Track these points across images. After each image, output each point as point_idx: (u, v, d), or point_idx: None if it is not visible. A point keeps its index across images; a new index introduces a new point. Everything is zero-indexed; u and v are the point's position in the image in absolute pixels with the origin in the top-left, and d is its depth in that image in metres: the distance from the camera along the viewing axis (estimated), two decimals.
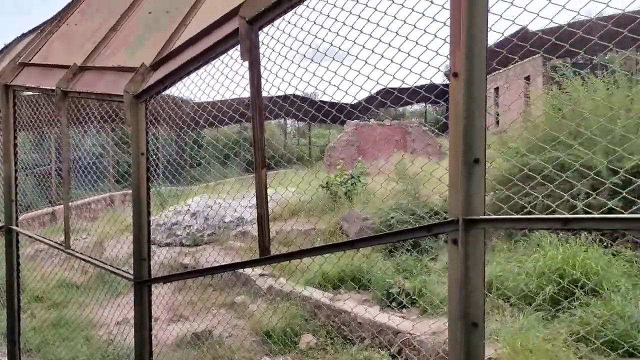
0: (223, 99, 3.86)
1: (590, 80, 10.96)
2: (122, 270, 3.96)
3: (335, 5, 2.83)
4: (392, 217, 10.05)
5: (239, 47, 2.71)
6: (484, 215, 1.91)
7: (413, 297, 7.54)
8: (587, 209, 7.92)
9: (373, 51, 2.73)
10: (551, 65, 21.07)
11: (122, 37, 3.99)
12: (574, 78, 11.44)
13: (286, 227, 10.59)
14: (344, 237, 10.96)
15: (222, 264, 3.36)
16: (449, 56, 2.03)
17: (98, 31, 4.23)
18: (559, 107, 10.46)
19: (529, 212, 7.95)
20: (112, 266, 4.20)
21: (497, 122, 27.26)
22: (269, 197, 2.73)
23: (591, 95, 9.77)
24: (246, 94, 3.02)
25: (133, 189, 3.48)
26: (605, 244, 7.30)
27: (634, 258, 7.78)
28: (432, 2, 2.26)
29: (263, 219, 2.67)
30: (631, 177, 8.05)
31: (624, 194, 3.81)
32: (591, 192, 7.88)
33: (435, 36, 2.28)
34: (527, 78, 23.31)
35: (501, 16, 1.97)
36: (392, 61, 2.72)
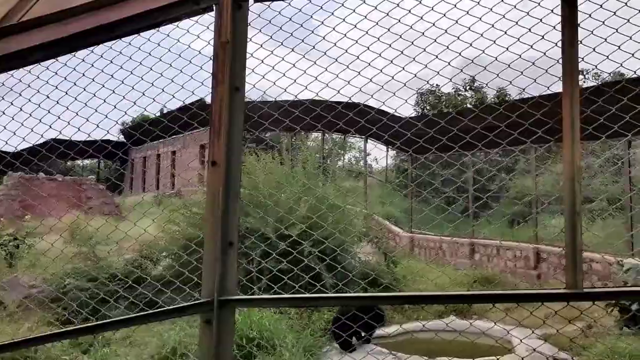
0: None
1: (262, 156, 12.44)
2: None
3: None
4: (68, 284, 9.12)
5: None
6: (237, 295, 2.06)
7: None
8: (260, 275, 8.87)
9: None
10: None
11: None
12: (249, 152, 12.75)
13: None
14: (1, 308, 9.35)
15: None
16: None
17: None
18: None
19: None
20: None
21: (173, 185, 27.91)
22: None
23: (263, 169, 11.06)
24: None
25: None
26: None
27: (295, 315, 8.95)
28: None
29: None
30: (299, 241, 9.37)
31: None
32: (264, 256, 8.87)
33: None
34: (203, 146, 24.82)
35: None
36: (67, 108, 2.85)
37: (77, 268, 9.59)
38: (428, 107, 23.92)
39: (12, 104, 3.35)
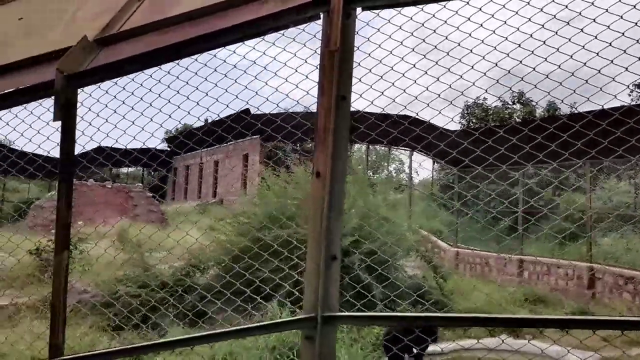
0: None
1: (307, 165, 12.42)
2: None
3: None
4: (118, 290, 9.26)
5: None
6: (339, 311, 1.99)
7: None
8: None
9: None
10: (269, 149, 23.19)
11: None
12: (296, 162, 12.74)
13: None
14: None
15: None
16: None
17: None
18: (284, 187, 11.47)
19: (258, 288, 8.31)
20: None
21: (215, 193, 28.23)
22: None
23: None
24: None
25: None
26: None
27: (345, 329, 8.82)
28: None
29: (58, 311, 2.21)
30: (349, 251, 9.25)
31: None
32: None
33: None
34: (246, 156, 25.07)
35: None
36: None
37: (127, 275, 9.73)
38: (474, 121, 23.55)
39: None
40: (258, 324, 2.08)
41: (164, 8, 2.59)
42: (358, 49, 2.10)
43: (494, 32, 2.48)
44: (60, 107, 2.26)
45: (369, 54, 2.19)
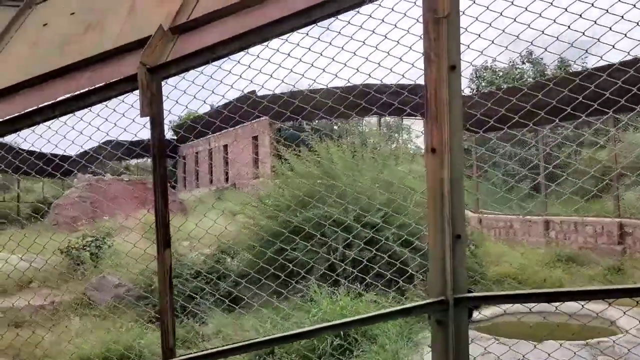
0: None
1: (323, 144, 12.21)
2: None
3: None
4: (154, 282, 9.25)
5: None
6: (468, 292, 1.90)
7: None
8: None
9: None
10: (276, 128, 22.98)
11: None
12: (315, 141, 12.54)
13: (18, 302, 8.86)
14: (95, 308, 9.60)
15: None
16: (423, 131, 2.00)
17: None
18: (307, 168, 11.32)
19: (292, 270, 8.25)
20: None
21: (227, 178, 28.15)
22: None
23: (339, 158, 10.89)
24: None
25: None
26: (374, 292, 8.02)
27: (386, 303, 8.81)
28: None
29: (166, 312, 2.13)
30: (380, 227, 9.18)
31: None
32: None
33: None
34: (255, 137, 24.89)
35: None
36: None
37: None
38: (484, 84, 23.23)
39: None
40: (389, 310, 1.99)
41: None
42: (463, 13, 1.96)
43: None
44: (148, 101, 2.15)
45: (476, 18, 2.06)
